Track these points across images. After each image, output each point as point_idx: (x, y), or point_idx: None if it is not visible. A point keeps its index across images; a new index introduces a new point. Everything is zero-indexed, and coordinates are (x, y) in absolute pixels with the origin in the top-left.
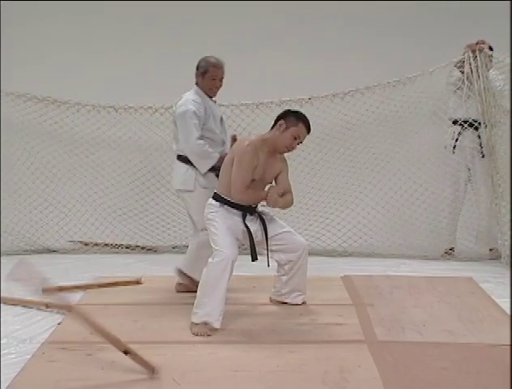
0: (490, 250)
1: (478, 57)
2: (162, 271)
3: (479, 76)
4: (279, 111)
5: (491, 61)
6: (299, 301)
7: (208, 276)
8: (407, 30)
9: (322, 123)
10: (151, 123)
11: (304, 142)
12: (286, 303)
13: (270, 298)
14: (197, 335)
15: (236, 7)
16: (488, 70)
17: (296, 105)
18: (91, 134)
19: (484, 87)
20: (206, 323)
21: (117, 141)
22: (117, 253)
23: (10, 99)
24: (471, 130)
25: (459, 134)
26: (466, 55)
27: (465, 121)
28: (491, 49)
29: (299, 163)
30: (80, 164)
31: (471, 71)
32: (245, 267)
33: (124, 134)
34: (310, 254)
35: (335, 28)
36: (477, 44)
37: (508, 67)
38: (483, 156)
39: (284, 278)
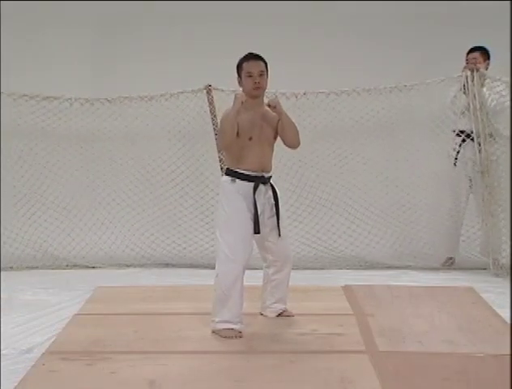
0: (492, 259)
1: (474, 77)
2: (162, 281)
3: (474, 95)
4: None
5: (485, 79)
6: (279, 311)
7: (221, 286)
8: (409, 41)
9: (316, 119)
10: (149, 112)
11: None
12: (279, 315)
13: (260, 313)
14: (227, 338)
15: (237, 7)
16: (482, 88)
17: (292, 98)
18: (86, 127)
19: (480, 106)
20: (228, 329)
21: (113, 131)
22: (117, 264)
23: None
24: (472, 141)
25: (460, 145)
26: (464, 74)
27: (461, 132)
28: (488, 57)
29: (291, 168)
30: (79, 159)
31: (468, 90)
32: (246, 276)
33: (120, 124)
34: (310, 264)
35: (338, 32)
36: (474, 64)
37: (504, 85)
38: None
39: (269, 287)
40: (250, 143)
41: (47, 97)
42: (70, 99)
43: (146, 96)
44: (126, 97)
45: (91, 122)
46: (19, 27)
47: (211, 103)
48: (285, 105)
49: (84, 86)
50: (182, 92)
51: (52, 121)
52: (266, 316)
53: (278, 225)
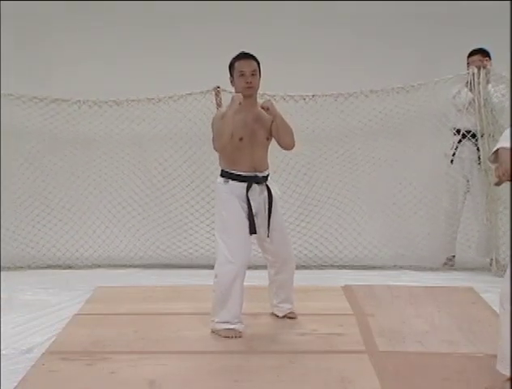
0: (491, 259)
1: (481, 74)
2: (162, 281)
3: (479, 92)
4: (284, 104)
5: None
6: (286, 311)
7: (220, 287)
8: (408, 41)
9: (324, 122)
10: (156, 114)
11: (303, 144)
12: (285, 315)
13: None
14: (227, 338)
15: (237, 7)
16: (488, 84)
17: (300, 101)
18: (94, 129)
19: (484, 103)
20: (228, 329)
21: (120, 134)
22: (117, 264)
23: (8, 100)
24: (471, 140)
25: (459, 142)
26: (470, 71)
27: (466, 132)
28: (489, 57)
29: (298, 170)
30: (85, 161)
31: (474, 87)
32: (246, 276)
33: (127, 126)
34: (311, 264)
35: (338, 32)
36: (481, 60)
37: (504, 84)
38: (479, 163)
39: (273, 287)
40: (241, 143)
41: (55, 100)
42: (79, 101)
43: (153, 98)
44: (134, 100)
45: (98, 125)
46: (18, 27)
47: (219, 104)
48: (293, 108)
49: (84, 86)
50: (190, 94)
51: (60, 123)
52: (274, 315)
53: (268, 226)
